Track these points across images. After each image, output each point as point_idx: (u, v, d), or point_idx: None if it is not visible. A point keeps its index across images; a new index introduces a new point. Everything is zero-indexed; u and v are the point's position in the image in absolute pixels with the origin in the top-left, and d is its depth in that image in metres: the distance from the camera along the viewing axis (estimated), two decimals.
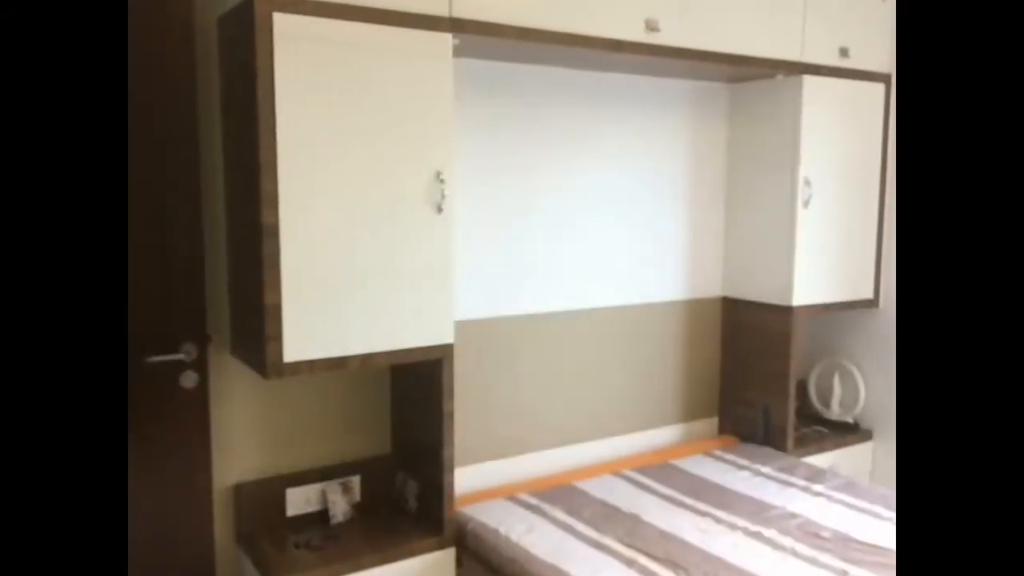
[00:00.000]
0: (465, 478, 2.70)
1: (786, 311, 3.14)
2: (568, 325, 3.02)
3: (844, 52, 3.10)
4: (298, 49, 2.04)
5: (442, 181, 2.27)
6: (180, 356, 2.25)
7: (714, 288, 3.42)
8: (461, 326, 2.59)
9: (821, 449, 3.32)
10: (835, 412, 3.54)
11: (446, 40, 2.24)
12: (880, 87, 3.27)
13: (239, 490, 2.49)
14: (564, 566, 2.22)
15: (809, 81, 3.03)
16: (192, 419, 2.31)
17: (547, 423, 3.00)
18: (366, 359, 2.24)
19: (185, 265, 2.27)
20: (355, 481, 2.65)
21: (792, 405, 3.20)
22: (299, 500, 2.58)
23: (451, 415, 2.42)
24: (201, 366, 2.30)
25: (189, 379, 2.28)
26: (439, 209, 2.28)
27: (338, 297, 2.17)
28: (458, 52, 2.31)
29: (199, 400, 2.31)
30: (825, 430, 3.48)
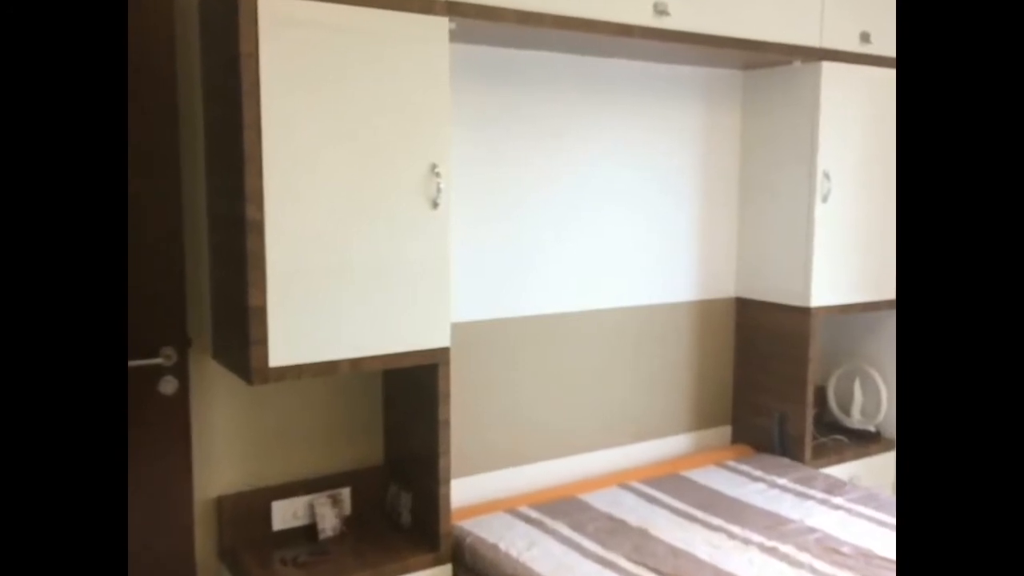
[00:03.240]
0: (462, 490, 2.70)
1: (803, 312, 3.14)
2: (572, 327, 3.02)
3: (865, 37, 3.09)
4: (285, 34, 2.04)
5: (438, 174, 2.27)
6: (159, 360, 2.25)
7: (727, 288, 3.41)
8: (458, 328, 2.59)
9: (841, 459, 3.32)
10: (856, 420, 3.53)
11: (442, 24, 2.24)
12: None
13: (221, 503, 2.49)
14: None
15: (828, 68, 3.02)
16: (171, 427, 2.31)
17: (549, 431, 3.00)
18: (357, 363, 2.24)
19: (164, 265, 2.27)
20: (345, 493, 2.65)
21: (810, 412, 3.19)
22: (286, 514, 2.58)
23: (447, 423, 2.41)
24: (181, 371, 2.30)
25: (168, 385, 2.28)
26: (434, 204, 2.28)
27: (327, 298, 2.17)
28: (455, 37, 2.31)
29: (179, 407, 2.31)
30: (845, 439, 3.47)
